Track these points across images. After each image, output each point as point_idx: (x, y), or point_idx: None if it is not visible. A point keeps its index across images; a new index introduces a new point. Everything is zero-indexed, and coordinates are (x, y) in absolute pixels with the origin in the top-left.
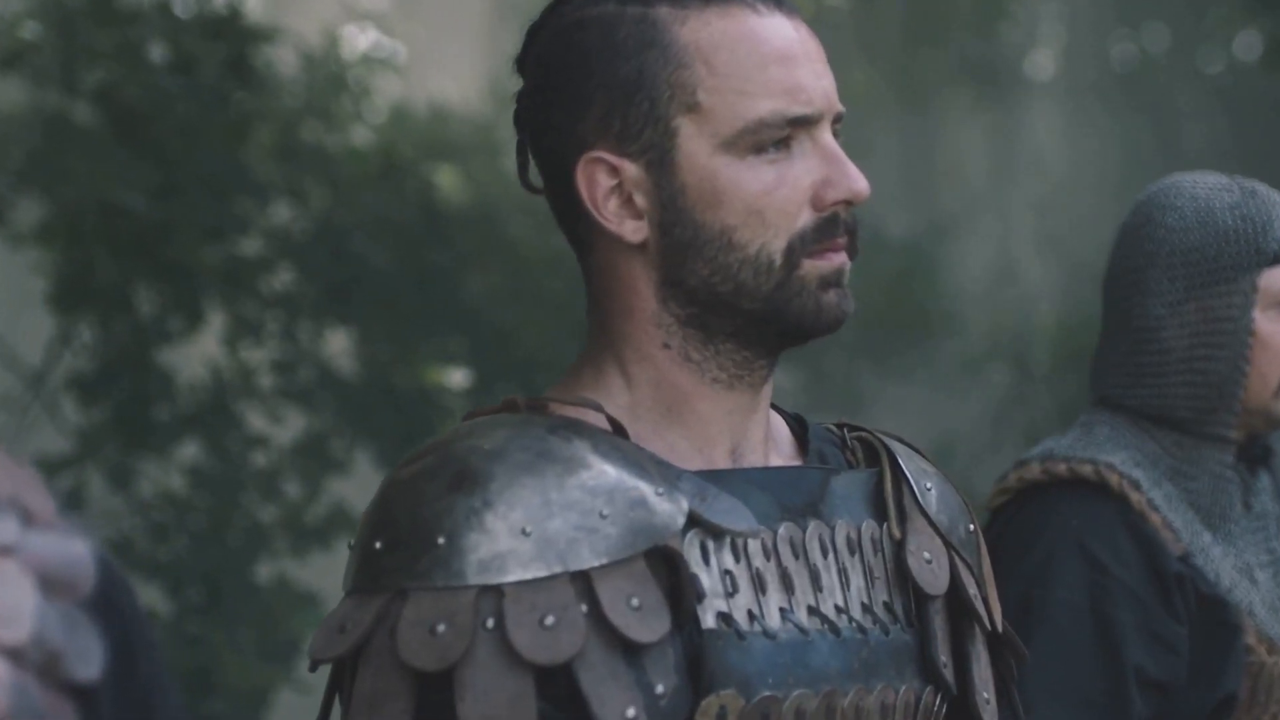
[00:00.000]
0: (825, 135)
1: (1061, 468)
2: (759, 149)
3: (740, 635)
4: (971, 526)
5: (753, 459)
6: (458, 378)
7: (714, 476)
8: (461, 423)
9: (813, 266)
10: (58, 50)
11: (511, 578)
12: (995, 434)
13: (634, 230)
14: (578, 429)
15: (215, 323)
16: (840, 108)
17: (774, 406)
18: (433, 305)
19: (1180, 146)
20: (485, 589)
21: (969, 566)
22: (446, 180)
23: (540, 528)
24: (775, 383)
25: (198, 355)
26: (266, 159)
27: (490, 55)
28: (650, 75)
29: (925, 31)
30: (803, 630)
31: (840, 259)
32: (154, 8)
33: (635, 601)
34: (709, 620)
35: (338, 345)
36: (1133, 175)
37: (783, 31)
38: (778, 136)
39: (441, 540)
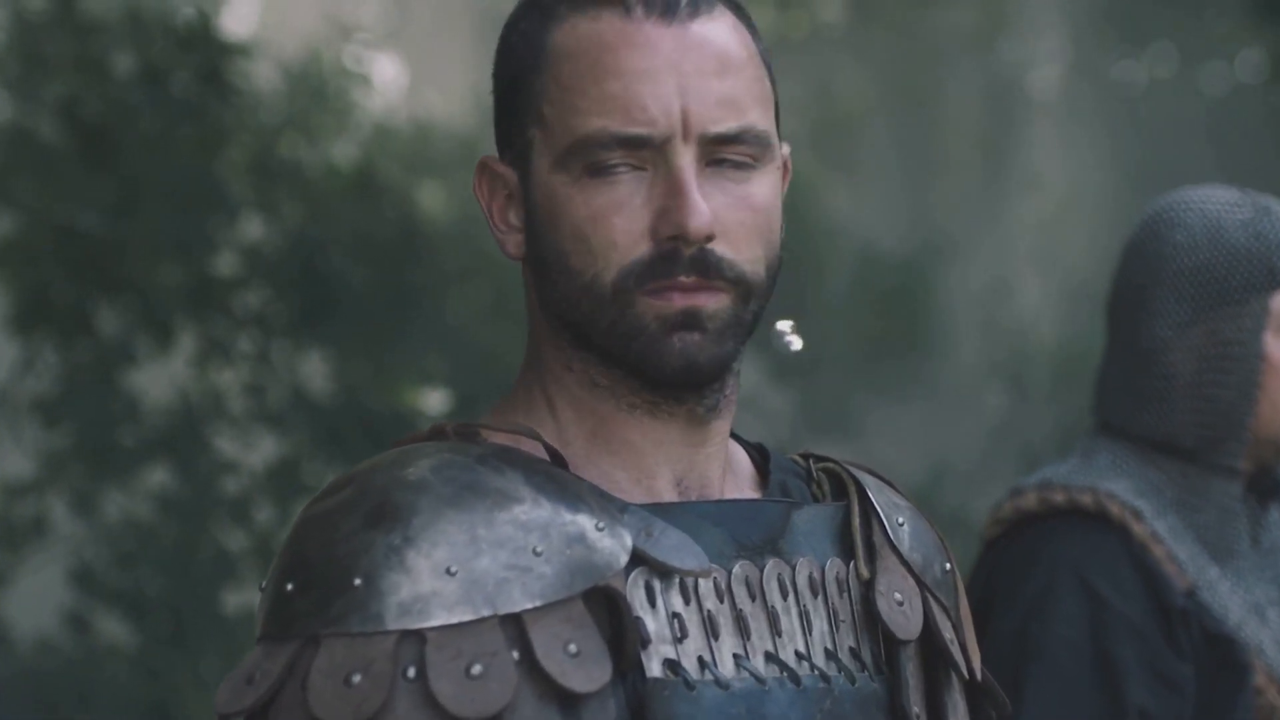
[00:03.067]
0: (678, 160)
1: (1059, 497)
2: (594, 170)
3: (689, 685)
4: (948, 565)
5: (706, 494)
6: (436, 399)
7: (662, 510)
8: (386, 450)
9: (649, 306)
10: (18, 61)
11: (435, 622)
12: (991, 458)
13: (515, 244)
14: (510, 458)
15: (184, 344)
16: (719, 129)
17: (734, 436)
18: (411, 324)
19: (1182, 167)
20: (406, 634)
21: (945, 609)
22: (429, 197)
23: (467, 567)
24: (767, 404)
25: (165, 377)
26: (240, 174)
27: (476, 69)
28: (522, 81)
29: (924, 47)
30: (759, 679)
31: (686, 300)
32: (121, 18)
33: (572, 648)
34: (654, 668)
35: (311, 366)
36: (1134, 195)
37: (643, 40)
38: (607, 158)
39: (358, 581)
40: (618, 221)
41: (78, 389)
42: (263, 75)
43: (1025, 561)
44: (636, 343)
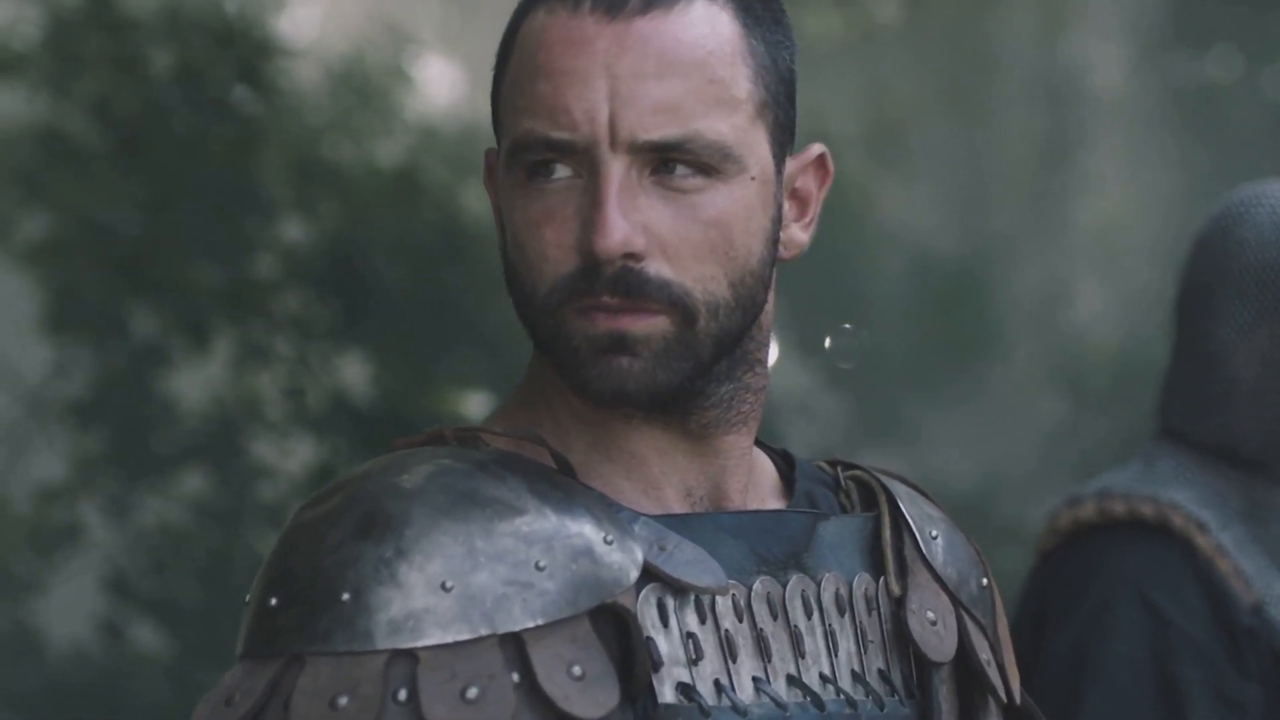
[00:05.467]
0: (601, 170)
1: (1119, 507)
2: (533, 173)
3: (704, 710)
4: (985, 580)
5: (722, 506)
6: (477, 403)
7: (676, 521)
8: (381, 455)
9: (578, 325)
10: (52, 59)
11: (428, 640)
12: (1048, 465)
13: (501, 238)
14: (513, 465)
15: (220, 346)
16: (652, 136)
17: (759, 443)
18: (452, 327)
19: (1246, 170)
20: (397, 654)
21: (981, 628)
22: (475, 199)
23: (463, 581)
24: (820, 409)
25: (201, 381)
26: (278, 174)
27: None
28: (496, 74)
29: (982, 48)
30: (780, 704)
31: (610, 323)
32: (157, 15)
33: (577, 670)
34: (667, 693)
35: (351, 370)
36: (1197, 199)
37: (579, 37)
38: (540, 159)
39: (346, 596)
40: (548, 232)
41: (111, 392)
42: (306, 75)
43: (1082, 576)
44: (570, 362)
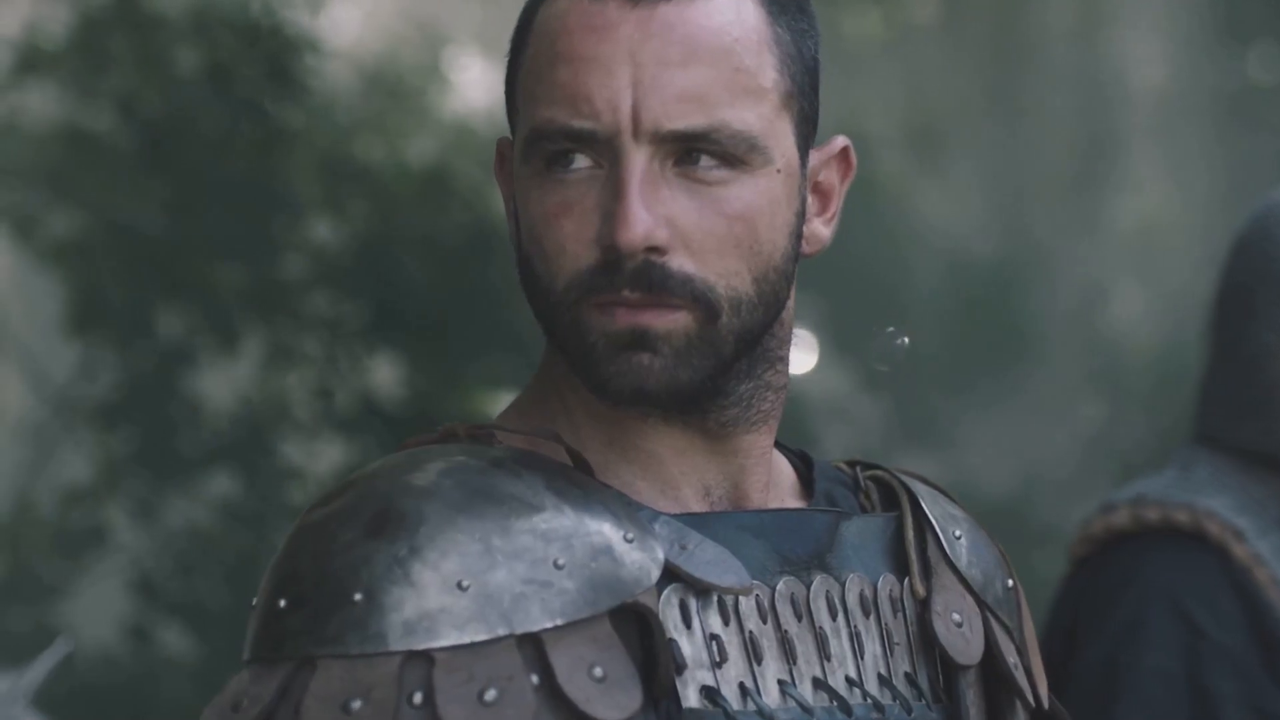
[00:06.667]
0: (624, 160)
1: (1153, 514)
2: (551, 163)
3: (730, 715)
4: (1010, 582)
5: (742, 505)
6: (507, 404)
7: (696, 520)
8: (392, 454)
9: (597, 321)
10: (78, 58)
11: (444, 641)
12: (1086, 469)
13: (513, 230)
14: (528, 462)
15: (248, 347)
16: (677, 126)
17: (776, 444)
18: (482, 327)
19: None
20: (411, 656)
21: (1007, 630)
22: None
23: (480, 580)
24: (858, 412)
25: (228, 382)
26: (308, 174)
27: None
28: (511, 60)
29: (1020, 46)
30: (806, 708)
31: (631, 319)
32: (185, 13)
33: (598, 671)
34: (690, 697)
35: (380, 370)
36: (1239, 200)
37: (602, 23)
38: (559, 153)
39: (358, 596)
40: (566, 224)
41: (138, 393)
42: (338, 74)
43: (1116, 585)
44: (587, 359)
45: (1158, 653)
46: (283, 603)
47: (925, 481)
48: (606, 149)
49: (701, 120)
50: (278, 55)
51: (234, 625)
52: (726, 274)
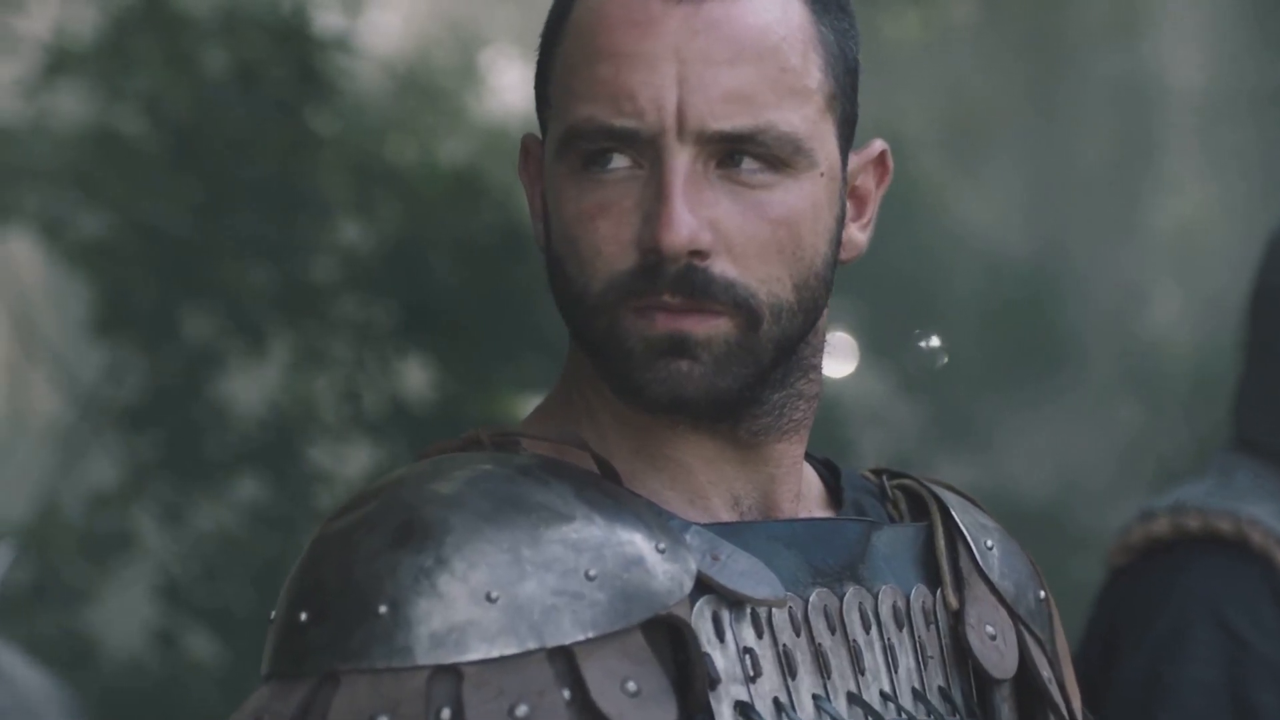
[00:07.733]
0: (668, 161)
1: (1194, 522)
2: (589, 162)
3: None
4: (1042, 594)
5: (772, 516)
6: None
7: (728, 531)
8: (414, 461)
9: (635, 326)
10: (107, 59)
11: (473, 655)
12: (1124, 475)
13: (539, 234)
14: (556, 470)
15: (276, 350)
16: (723, 126)
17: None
18: (513, 330)
19: None
20: (439, 670)
21: (1040, 643)
22: None
23: (509, 592)
24: (894, 417)
25: (256, 385)
26: (337, 175)
27: None
28: (544, 56)
29: (1058, 47)
30: None
31: (672, 324)
32: (212, 13)
33: (631, 686)
34: (725, 712)
35: (410, 373)
36: (1277, 200)
37: (645, 18)
38: (597, 151)
39: (383, 609)
40: (604, 226)
41: (165, 396)
42: (369, 76)
43: (1156, 596)
44: (623, 365)
45: (1199, 664)
46: (304, 615)
47: (954, 490)
48: (648, 149)
49: (748, 121)
50: (307, 56)
51: (261, 631)
52: (768, 280)
